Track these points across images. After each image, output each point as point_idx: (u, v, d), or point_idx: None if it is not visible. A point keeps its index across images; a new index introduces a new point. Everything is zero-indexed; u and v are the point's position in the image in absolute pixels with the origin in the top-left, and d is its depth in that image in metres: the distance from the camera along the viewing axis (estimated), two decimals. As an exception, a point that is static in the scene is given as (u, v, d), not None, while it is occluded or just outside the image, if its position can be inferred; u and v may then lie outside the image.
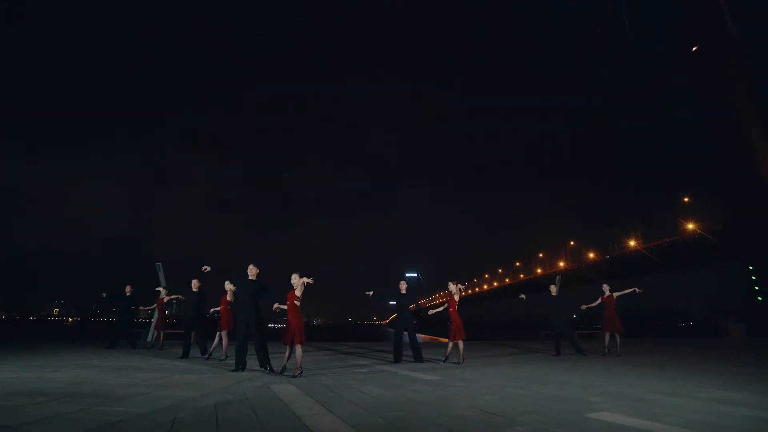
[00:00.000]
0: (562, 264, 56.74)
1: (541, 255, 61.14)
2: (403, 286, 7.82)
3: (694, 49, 38.01)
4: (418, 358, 7.59)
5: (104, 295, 9.87)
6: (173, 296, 9.80)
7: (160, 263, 14.62)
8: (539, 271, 61.77)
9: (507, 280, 71.12)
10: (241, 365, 6.17)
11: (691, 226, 39.34)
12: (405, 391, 4.62)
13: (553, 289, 9.06)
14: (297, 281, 5.76)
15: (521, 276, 66.54)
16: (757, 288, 34.41)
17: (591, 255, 51.77)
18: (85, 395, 4.16)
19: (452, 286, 7.84)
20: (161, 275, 14.45)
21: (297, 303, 5.64)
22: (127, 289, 9.94)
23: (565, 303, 9.12)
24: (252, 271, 6.16)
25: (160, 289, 8.00)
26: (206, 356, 7.95)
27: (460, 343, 7.40)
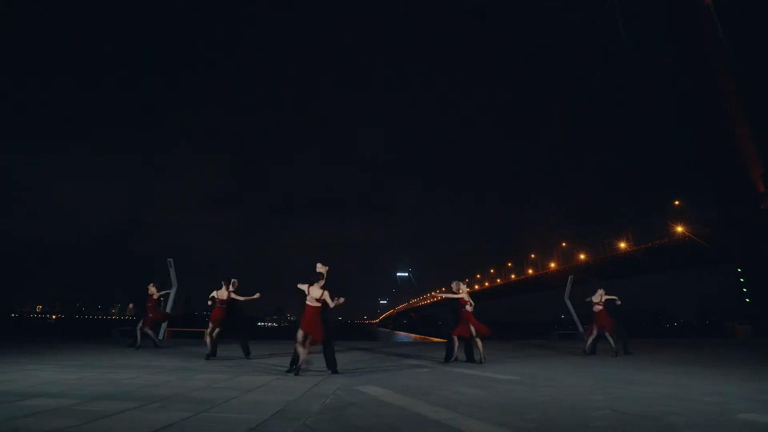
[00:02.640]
0: (553, 265, 57.53)
1: (533, 256, 61.82)
2: (460, 287, 7.62)
3: (683, 53, 39.04)
4: (470, 357, 7.40)
5: (131, 306, 9.52)
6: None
7: (171, 259, 14.02)
8: (530, 271, 62.48)
9: (498, 280, 71.72)
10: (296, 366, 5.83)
11: (680, 228, 40.36)
12: (503, 392, 4.39)
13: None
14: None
15: (512, 276, 67.20)
16: (745, 290, 35.56)
17: (582, 256, 52.66)
18: (171, 399, 3.79)
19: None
20: (172, 272, 13.87)
21: None
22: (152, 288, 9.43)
23: (609, 305, 9.05)
24: (322, 276, 5.83)
25: (214, 294, 7.42)
26: (249, 355, 7.57)
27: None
